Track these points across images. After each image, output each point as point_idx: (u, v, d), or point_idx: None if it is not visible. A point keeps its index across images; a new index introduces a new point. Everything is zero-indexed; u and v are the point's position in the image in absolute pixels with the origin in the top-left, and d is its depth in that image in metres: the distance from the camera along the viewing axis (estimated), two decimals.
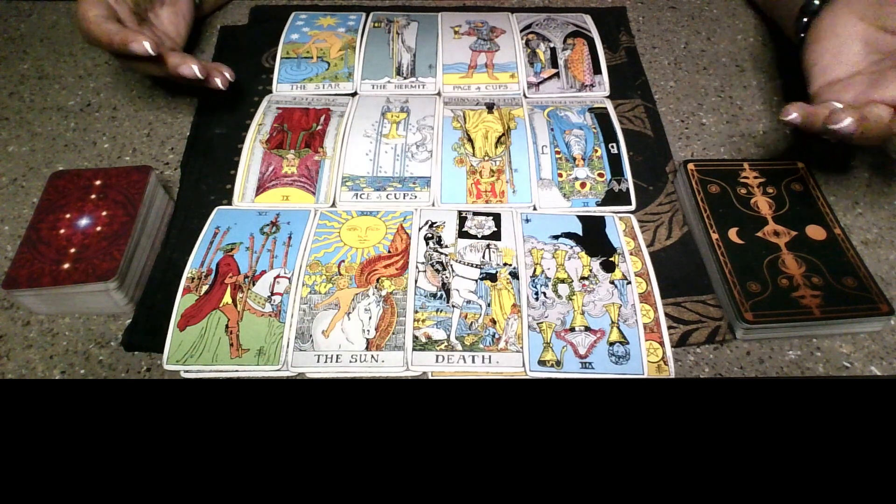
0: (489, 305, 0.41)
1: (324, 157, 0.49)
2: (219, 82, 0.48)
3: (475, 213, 0.46)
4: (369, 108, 0.53)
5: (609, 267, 0.43)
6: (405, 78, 0.55)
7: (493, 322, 0.40)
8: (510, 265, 0.43)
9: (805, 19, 0.48)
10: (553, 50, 0.57)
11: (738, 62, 0.59)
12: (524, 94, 0.55)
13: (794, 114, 0.41)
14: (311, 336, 0.39)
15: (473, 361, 0.39)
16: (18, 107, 0.55)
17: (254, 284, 0.41)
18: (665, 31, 0.63)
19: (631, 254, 0.43)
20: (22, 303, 0.42)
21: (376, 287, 0.41)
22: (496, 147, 0.50)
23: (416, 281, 0.42)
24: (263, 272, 0.42)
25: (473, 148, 0.50)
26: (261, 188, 0.47)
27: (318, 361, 0.39)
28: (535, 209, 0.47)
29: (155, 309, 0.41)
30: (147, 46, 0.44)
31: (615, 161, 0.49)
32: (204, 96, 0.55)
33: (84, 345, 0.41)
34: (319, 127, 0.51)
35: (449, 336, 0.39)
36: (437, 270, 0.42)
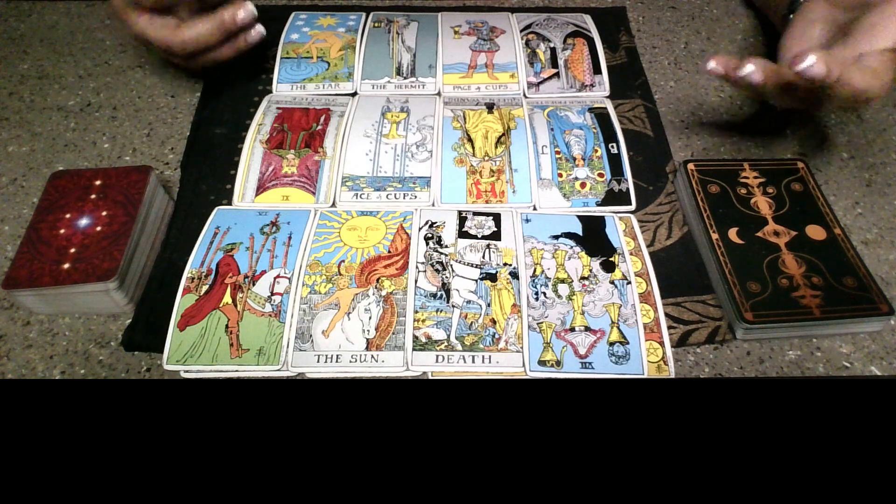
0: (489, 305, 0.41)
1: (324, 157, 0.49)
2: (254, 33, 0.51)
3: (475, 213, 0.46)
4: (369, 108, 0.53)
5: (609, 267, 0.43)
6: (405, 78, 0.55)
7: (493, 322, 0.40)
8: (510, 265, 0.43)
9: (791, 15, 0.50)
10: (553, 50, 0.57)
11: None
12: (524, 94, 0.55)
13: (713, 63, 0.42)
14: (311, 336, 0.39)
15: (473, 361, 0.39)
16: (18, 107, 0.55)
17: (254, 284, 0.41)
18: (665, 31, 0.63)
19: (631, 254, 0.43)
20: (22, 303, 0.42)
21: (376, 287, 0.41)
22: (496, 147, 0.50)
23: (416, 281, 0.42)
24: (263, 272, 0.42)
25: (473, 148, 0.50)
26: (261, 188, 0.47)
27: (318, 361, 0.39)
28: (535, 209, 0.47)
29: (155, 309, 0.41)
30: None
31: (615, 161, 0.49)
32: (204, 96, 0.55)
33: (84, 345, 0.41)
34: (319, 127, 0.51)
35: (449, 336, 0.39)
36: (437, 270, 0.42)
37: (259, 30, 0.51)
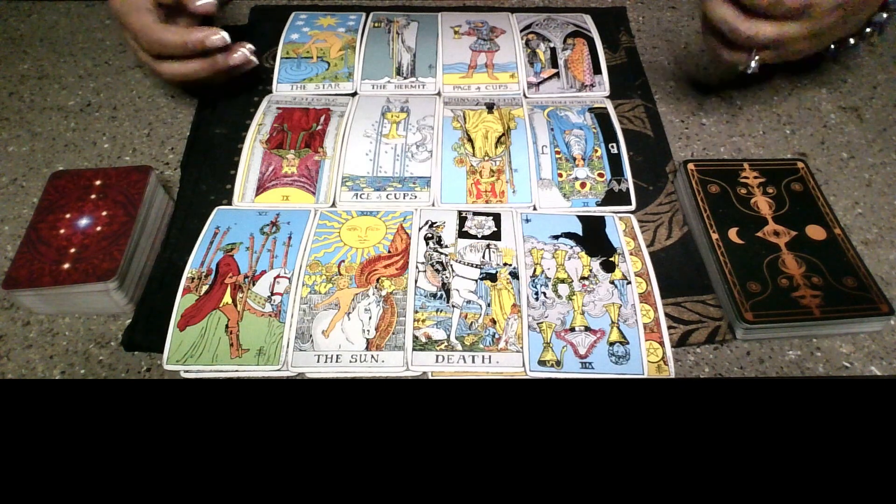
0: (489, 305, 0.41)
1: (324, 157, 0.49)
2: (249, 56, 0.51)
3: (475, 213, 0.46)
4: (369, 108, 0.53)
5: (609, 267, 0.43)
6: (405, 78, 0.55)
7: (493, 322, 0.40)
8: (510, 265, 0.43)
9: None
10: (553, 50, 0.57)
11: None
12: (524, 94, 0.55)
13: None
14: (311, 336, 0.39)
15: (473, 361, 0.39)
16: (18, 107, 0.55)
17: (254, 284, 0.41)
18: (665, 31, 0.63)
19: (631, 254, 0.43)
20: (22, 303, 0.42)
21: (376, 287, 0.41)
22: (496, 147, 0.50)
23: (416, 281, 0.42)
24: (263, 272, 0.42)
25: (473, 148, 0.50)
26: (261, 188, 0.47)
27: (318, 361, 0.39)
28: (535, 209, 0.47)
29: (155, 309, 0.41)
30: (225, 35, 0.47)
31: (615, 161, 0.49)
32: (204, 96, 0.55)
33: (84, 345, 0.41)
34: (319, 127, 0.51)
35: (449, 336, 0.39)
36: (437, 270, 0.42)
37: (251, 59, 0.51)
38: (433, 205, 0.47)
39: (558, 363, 0.39)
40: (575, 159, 0.49)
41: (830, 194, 0.49)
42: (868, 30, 0.48)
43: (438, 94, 0.55)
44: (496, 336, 0.39)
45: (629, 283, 0.42)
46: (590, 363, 0.39)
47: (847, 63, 0.59)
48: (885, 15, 0.46)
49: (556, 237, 0.44)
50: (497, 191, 0.47)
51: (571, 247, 0.44)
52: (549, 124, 0.52)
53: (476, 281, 0.42)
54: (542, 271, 0.42)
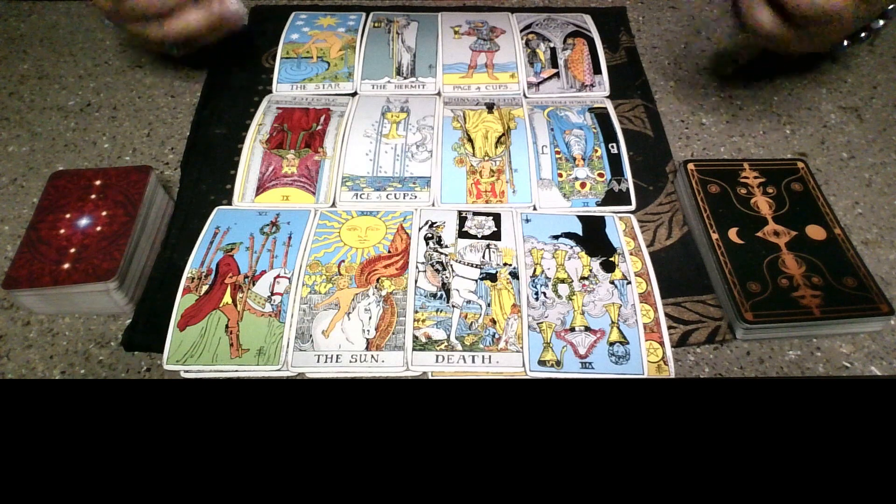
0: (489, 305, 0.41)
1: (324, 157, 0.49)
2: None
3: (475, 213, 0.46)
4: (369, 108, 0.53)
5: (609, 267, 0.43)
6: (405, 78, 0.55)
7: (493, 322, 0.40)
8: (510, 265, 0.43)
9: None
10: (553, 50, 0.57)
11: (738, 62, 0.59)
12: (524, 94, 0.55)
13: None
14: (311, 336, 0.39)
15: (473, 361, 0.39)
16: (18, 107, 0.55)
17: (254, 284, 0.41)
18: (665, 31, 0.63)
19: (631, 254, 0.43)
20: (22, 303, 0.42)
21: (376, 287, 0.41)
22: (496, 147, 0.50)
23: (416, 281, 0.42)
24: (263, 272, 0.42)
25: (473, 148, 0.50)
26: (261, 188, 0.47)
27: (318, 361, 0.39)
28: (535, 209, 0.47)
29: (155, 309, 0.41)
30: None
31: (615, 161, 0.49)
32: (204, 96, 0.55)
33: (84, 345, 0.41)
34: (319, 127, 0.51)
35: (449, 336, 0.39)
36: (437, 270, 0.42)
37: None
38: (433, 205, 0.47)
39: (558, 363, 0.39)
40: (575, 159, 0.49)
41: (830, 194, 0.49)
42: (863, 34, 0.48)
43: (438, 94, 0.55)
44: (496, 336, 0.39)
45: (629, 283, 0.42)
46: (590, 363, 0.39)
47: (847, 63, 0.59)
48: (881, 22, 0.47)
49: (556, 237, 0.44)
50: (497, 191, 0.47)
51: (571, 247, 0.44)
52: (549, 124, 0.52)
53: (476, 281, 0.42)
54: (542, 271, 0.42)
